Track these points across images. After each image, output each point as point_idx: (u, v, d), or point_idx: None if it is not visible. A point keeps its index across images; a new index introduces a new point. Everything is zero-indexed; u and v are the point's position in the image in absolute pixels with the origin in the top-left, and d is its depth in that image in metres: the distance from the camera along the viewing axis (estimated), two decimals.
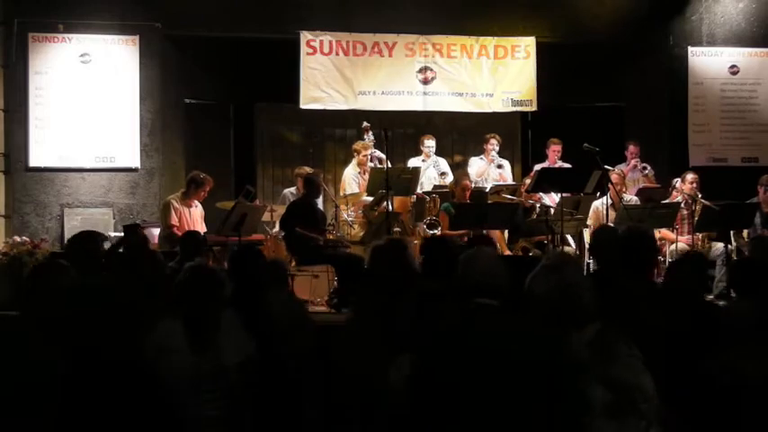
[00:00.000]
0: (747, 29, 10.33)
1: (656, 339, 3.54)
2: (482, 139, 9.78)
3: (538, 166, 9.26)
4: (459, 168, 9.91)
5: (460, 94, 10.00)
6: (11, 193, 9.18)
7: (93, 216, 9.16)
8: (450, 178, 9.36)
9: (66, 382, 3.38)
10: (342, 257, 7.66)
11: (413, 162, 9.50)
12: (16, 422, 3.35)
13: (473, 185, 8.98)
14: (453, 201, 8.61)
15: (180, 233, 7.52)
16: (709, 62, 10.29)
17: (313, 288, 7.72)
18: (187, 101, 10.13)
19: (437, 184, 9.38)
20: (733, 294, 4.73)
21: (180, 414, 3.43)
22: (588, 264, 8.13)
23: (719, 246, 7.96)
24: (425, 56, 9.91)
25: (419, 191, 8.94)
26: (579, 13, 10.12)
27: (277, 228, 8.46)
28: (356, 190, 8.93)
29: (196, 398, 3.47)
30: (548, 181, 7.89)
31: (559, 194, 8.17)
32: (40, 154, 9.17)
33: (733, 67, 10.30)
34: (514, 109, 10.19)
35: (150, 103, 9.43)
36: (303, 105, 9.72)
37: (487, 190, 8.95)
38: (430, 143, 9.60)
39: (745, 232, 8.14)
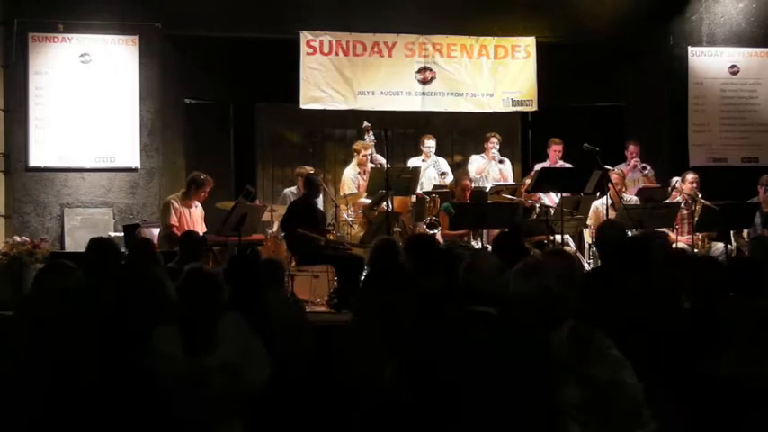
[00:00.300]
0: (747, 29, 10.33)
1: (655, 339, 3.54)
2: (482, 138, 9.79)
3: (538, 166, 9.26)
4: (459, 168, 9.92)
5: (460, 95, 10.00)
6: (11, 193, 9.18)
7: (93, 216, 9.16)
8: (450, 178, 9.36)
9: (62, 382, 3.38)
10: (342, 257, 7.67)
11: (413, 162, 9.50)
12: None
13: (473, 183, 8.99)
14: (453, 201, 8.61)
15: (180, 233, 7.51)
16: (709, 62, 10.28)
17: (313, 288, 7.73)
18: (187, 101, 10.13)
19: (437, 184, 9.38)
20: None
21: (176, 416, 3.41)
22: (588, 263, 8.15)
23: (719, 246, 7.96)
24: (425, 56, 9.90)
25: (419, 191, 8.94)
26: (579, 13, 10.11)
27: (276, 227, 8.46)
28: (355, 190, 8.93)
29: (189, 400, 3.45)
30: (548, 181, 7.90)
31: (559, 194, 8.18)
32: (40, 154, 9.16)
33: (733, 67, 10.29)
34: (515, 109, 10.18)
35: (150, 103, 9.43)
36: (303, 105, 9.72)
37: (487, 190, 8.95)
38: (430, 143, 9.60)
39: (745, 232, 8.15)
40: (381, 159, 8.98)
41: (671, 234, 8.12)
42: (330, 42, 9.73)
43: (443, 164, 9.64)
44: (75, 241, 8.79)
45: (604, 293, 3.27)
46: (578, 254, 8.27)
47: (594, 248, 8.11)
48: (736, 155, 10.29)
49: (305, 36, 9.66)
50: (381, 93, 9.85)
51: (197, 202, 8.18)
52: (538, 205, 8.75)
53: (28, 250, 8.02)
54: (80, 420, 3.32)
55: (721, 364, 3.51)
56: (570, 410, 2.97)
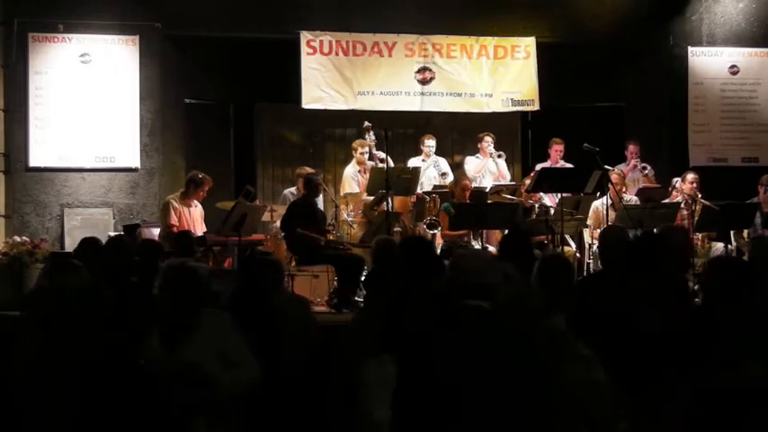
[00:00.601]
0: (747, 29, 10.33)
1: (655, 341, 3.54)
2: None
3: (539, 166, 9.26)
4: (459, 168, 9.91)
5: (459, 95, 9.99)
6: (11, 193, 9.18)
7: (93, 216, 9.15)
8: (450, 178, 9.37)
9: (67, 379, 3.38)
10: (342, 257, 7.67)
11: (413, 162, 9.50)
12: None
13: (472, 183, 9.00)
14: (453, 201, 8.61)
15: None
16: (709, 62, 10.28)
17: (313, 288, 7.74)
18: (187, 101, 10.13)
19: (437, 184, 9.39)
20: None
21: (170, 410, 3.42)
22: (588, 264, 8.16)
23: (719, 246, 7.95)
24: (425, 56, 9.90)
25: (419, 191, 8.94)
26: (579, 13, 10.11)
27: (277, 225, 8.46)
28: (356, 188, 8.94)
29: (171, 393, 3.44)
30: (548, 181, 7.90)
31: (559, 194, 8.17)
32: (40, 154, 9.16)
33: (733, 67, 10.29)
34: (515, 109, 10.18)
35: (150, 103, 9.42)
36: (305, 105, 9.71)
37: (487, 190, 8.95)
38: (430, 143, 9.60)
39: (745, 232, 8.15)
40: (382, 155, 8.99)
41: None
42: (330, 42, 9.73)
43: (443, 164, 9.64)
44: (75, 241, 8.69)
45: (604, 297, 3.27)
46: (578, 254, 8.28)
47: (594, 248, 8.12)
48: (736, 155, 10.29)
49: (305, 36, 9.66)
50: (381, 93, 9.85)
51: (196, 202, 8.18)
52: (538, 205, 8.75)
53: (28, 250, 8.03)
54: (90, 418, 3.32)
55: (721, 365, 3.50)
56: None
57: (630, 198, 8.53)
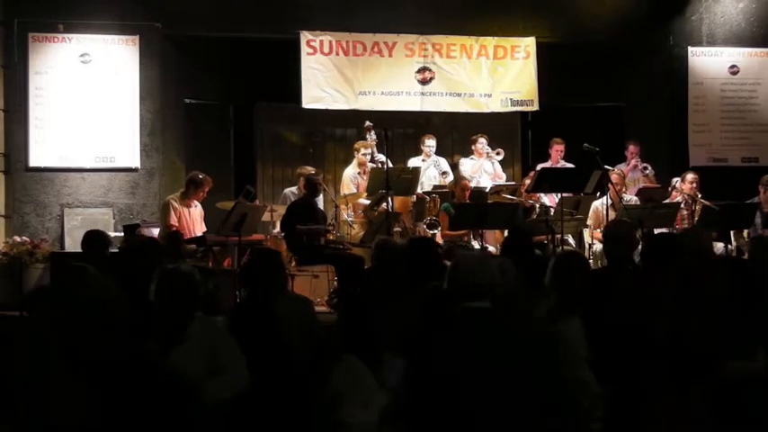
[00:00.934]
0: (747, 29, 10.33)
1: (656, 341, 3.53)
2: None
3: (540, 166, 9.26)
4: (456, 169, 9.92)
5: (458, 95, 9.99)
6: (11, 193, 9.18)
7: (93, 216, 9.15)
8: (451, 177, 9.38)
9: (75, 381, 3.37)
10: (342, 257, 7.67)
11: (413, 162, 9.51)
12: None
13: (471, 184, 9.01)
14: (453, 201, 8.62)
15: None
16: (709, 62, 10.28)
17: (313, 288, 7.74)
18: (187, 101, 10.13)
19: (437, 184, 9.39)
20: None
21: None
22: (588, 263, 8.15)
23: (719, 246, 7.96)
24: (425, 56, 9.90)
25: (419, 191, 8.94)
26: (579, 13, 10.11)
27: (278, 228, 8.46)
28: (354, 190, 8.94)
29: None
30: (548, 181, 7.90)
31: (559, 194, 8.18)
32: (40, 154, 9.16)
33: (733, 67, 10.29)
34: (514, 109, 10.18)
35: (150, 103, 9.42)
36: (305, 105, 9.70)
37: (487, 190, 8.95)
38: (430, 143, 9.61)
39: (745, 232, 8.15)
40: (382, 158, 8.99)
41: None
42: (330, 42, 9.73)
43: (444, 163, 9.65)
44: (75, 241, 8.76)
45: (607, 293, 3.27)
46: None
47: (594, 248, 8.12)
48: (736, 155, 10.28)
49: (305, 36, 9.65)
50: (381, 93, 9.85)
51: (196, 202, 8.18)
52: (538, 205, 8.75)
53: (28, 250, 8.04)
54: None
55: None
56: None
57: (630, 198, 8.54)
